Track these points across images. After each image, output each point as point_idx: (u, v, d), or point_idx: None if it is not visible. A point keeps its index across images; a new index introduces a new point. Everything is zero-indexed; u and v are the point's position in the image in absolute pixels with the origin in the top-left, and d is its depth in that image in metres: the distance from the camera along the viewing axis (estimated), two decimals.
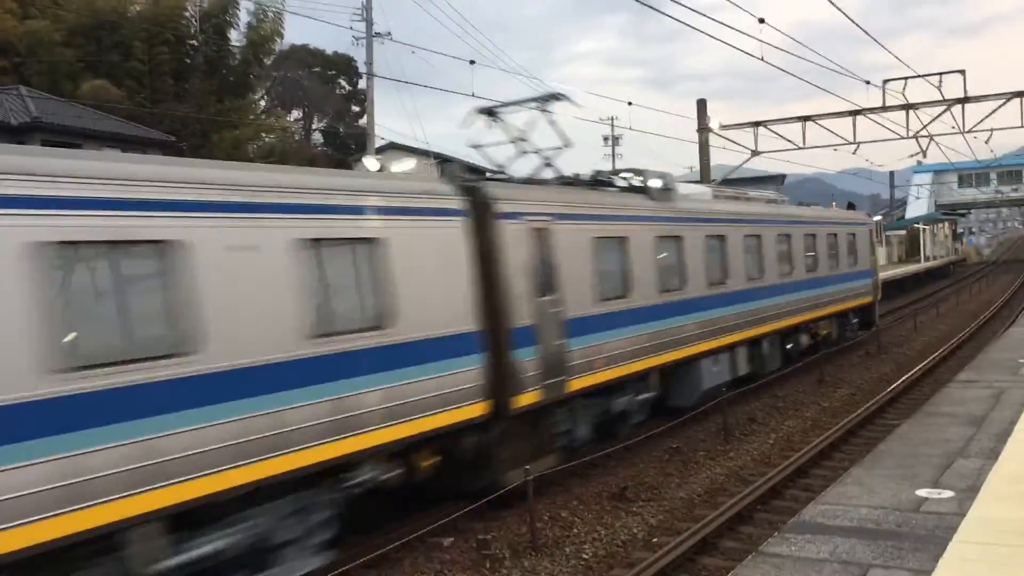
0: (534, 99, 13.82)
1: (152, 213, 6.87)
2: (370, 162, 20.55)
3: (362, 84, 42.99)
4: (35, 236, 6.13)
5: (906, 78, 30.80)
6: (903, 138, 32.66)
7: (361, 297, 8.65)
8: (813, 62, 24.93)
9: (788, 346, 19.53)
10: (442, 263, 9.71)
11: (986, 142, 37.83)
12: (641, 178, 14.84)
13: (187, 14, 34.77)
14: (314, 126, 52.62)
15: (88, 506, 6.15)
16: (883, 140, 33.24)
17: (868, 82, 30.54)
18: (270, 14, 36.56)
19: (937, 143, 35.83)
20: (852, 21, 19.01)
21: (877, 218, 48.33)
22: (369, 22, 29.04)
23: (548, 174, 13.81)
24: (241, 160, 20.97)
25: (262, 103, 43.78)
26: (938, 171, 79.43)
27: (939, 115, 31.30)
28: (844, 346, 23.87)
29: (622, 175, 15.07)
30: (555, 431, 11.55)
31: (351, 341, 8.32)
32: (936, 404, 11.82)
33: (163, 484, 6.60)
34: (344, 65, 51.75)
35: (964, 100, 30.21)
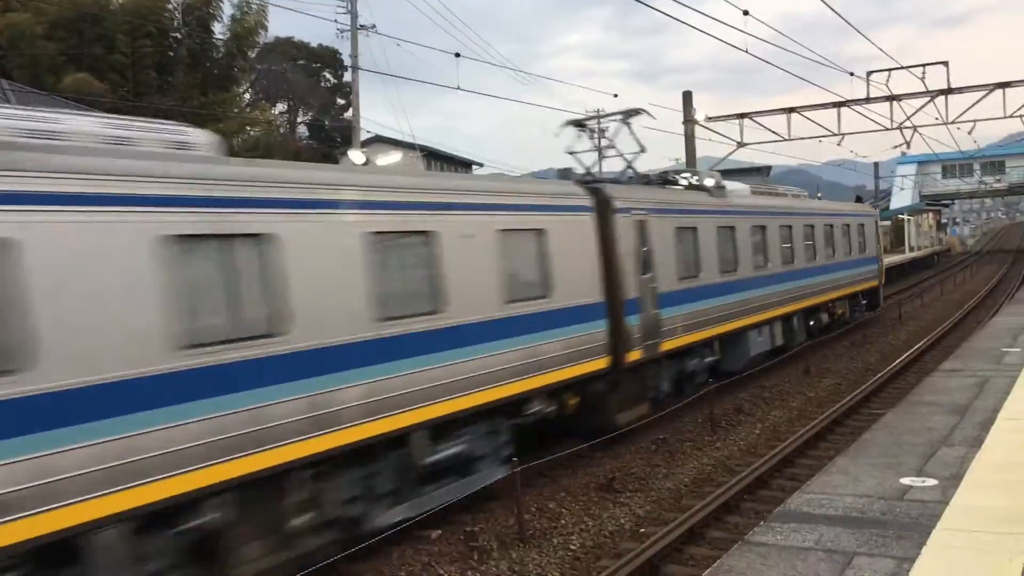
0: (618, 112, 16.61)
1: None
2: (356, 155, 20.45)
3: (347, 77, 42.82)
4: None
5: (890, 70, 30.91)
6: (887, 129, 32.80)
7: (536, 273, 11.45)
8: (797, 54, 25.04)
9: (811, 323, 22.17)
10: (580, 248, 12.42)
11: (969, 133, 38.14)
12: (696, 177, 17.62)
13: (170, 7, 34.48)
14: (299, 119, 52.40)
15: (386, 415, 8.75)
16: (867, 131, 33.39)
17: (852, 74, 30.67)
18: (254, 6, 36.29)
19: (921, 134, 36.02)
20: (836, 13, 19.07)
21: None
22: (354, 14, 28.89)
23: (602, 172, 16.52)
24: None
25: (246, 96, 43.54)
26: (922, 162, 79.90)
27: (923, 106, 31.44)
28: (844, 330, 25.54)
29: (682, 175, 17.61)
30: (648, 384, 14.15)
31: (529, 307, 11.09)
32: (920, 393, 11.90)
33: (429, 403, 9.33)
34: (329, 58, 51.51)
35: (947, 91, 30.33)
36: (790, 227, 20.50)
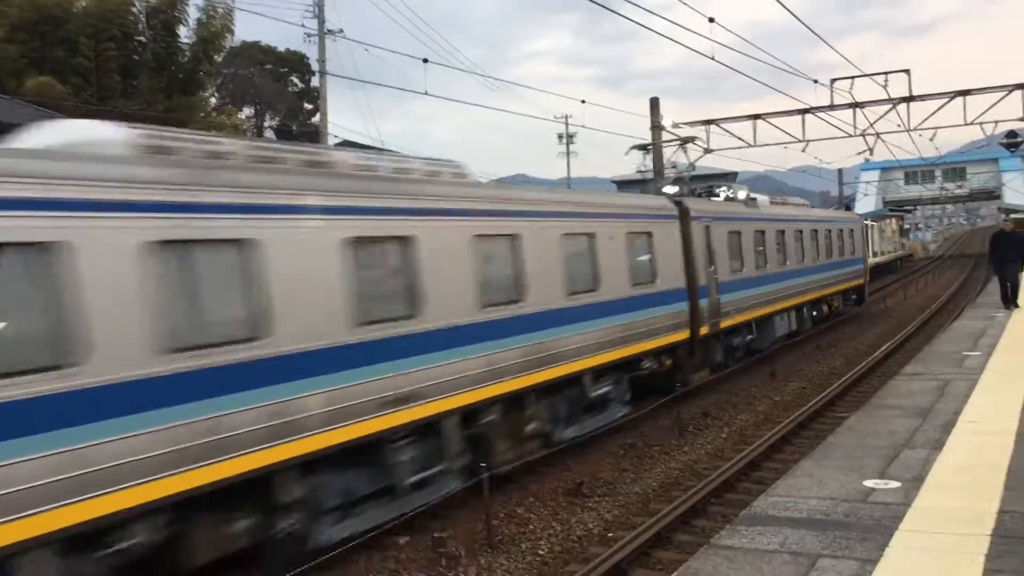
0: (677, 139, 22.65)
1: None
2: None
3: (315, 81, 42.62)
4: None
5: (853, 77, 31.24)
6: (851, 136, 33.14)
7: (648, 264, 15.26)
8: (763, 61, 25.24)
9: (814, 313, 26.17)
10: (672, 246, 16.18)
11: (931, 140, 38.55)
12: (732, 191, 21.84)
13: (134, 10, 34.12)
14: (266, 124, 52.05)
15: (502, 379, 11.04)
16: (831, 138, 33.70)
17: (816, 81, 30.95)
18: (220, 10, 36.02)
19: (884, 141, 36.51)
20: (800, 21, 19.27)
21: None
22: (321, 19, 28.80)
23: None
24: None
25: (213, 100, 43.17)
26: (885, 168, 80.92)
27: (885, 113, 31.82)
28: (831, 324, 28.74)
29: (719, 189, 21.65)
30: (709, 354, 17.87)
31: (646, 289, 14.88)
32: (883, 397, 12.04)
33: (593, 354, 13.04)
34: (296, 62, 51.27)
35: (909, 99, 30.72)
36: (800, 231, 24.62)
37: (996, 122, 32.46)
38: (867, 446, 9.12)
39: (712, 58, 22.99)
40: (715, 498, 10.77)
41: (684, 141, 21.19)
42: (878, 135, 34.24)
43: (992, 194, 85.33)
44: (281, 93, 51.49)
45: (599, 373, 13.40)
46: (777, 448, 13.06)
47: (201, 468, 7.14)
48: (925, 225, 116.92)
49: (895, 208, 79.52)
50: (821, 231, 26.75)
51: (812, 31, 21.96)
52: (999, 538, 6.19)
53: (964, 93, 30.11)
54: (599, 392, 13.47)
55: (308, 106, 52.28)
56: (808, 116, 32.07)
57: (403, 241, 9.54)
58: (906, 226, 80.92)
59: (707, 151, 33.67)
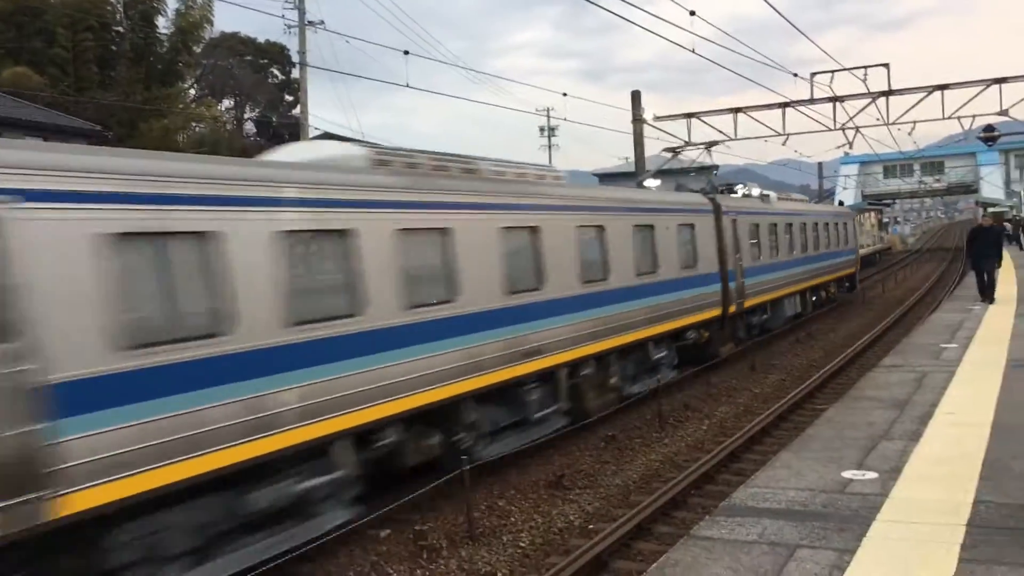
0: (703, 143, 26.65)
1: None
2: None
3: (295, 73, 42.36)
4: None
5: (833, 71, 31.39)
6: (830, 130, 33.29)
7: (693, 251, 17.99)
8: (743, 55, 25.36)
9: (814, 298, 29.05)
10: (707, 236, 18.95)
11: (909, 134, 38.96)
12: (747, 188, 24.90)
13: (112, 0, 33.82)
14: (246, 116, 51.72)
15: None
16: (811, 132, 33.84)
17: (796, 75, 31.11)
18: (199, 0, 35.74)
19: (863, 135, 36.60)
20: (780, 15, 19.37)
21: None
22: (301, 10, 28.59)
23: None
24: (171, 149, 20.48)
25: (192, 92, 42.84)
26: (864, 162, 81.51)
27: (864, 107, 31.98)
28: (827, 308, 31.17)
29: (736, 187, 24.71)
30: (735, 330, 20.84)
31: (692, 271, 17.74)
32: (862, 388, 12.14)
33: (655, 325, 15.84)
34: (276, 54, 50.92)
35: (888, 93, 30.87)
36: (804, 224, 27.41)
37: (974, 116, 32.71)
38: (845, 437, 9.19)
39: (693, 51, 23.05)
40: (695, 490, 10.83)
41: (709, 145, 25.17)
42: (857, 129, 34.42)
43: (970, 188, 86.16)
44: (261, 85, 51.14)
45: (657, 341, 16.17)
46: (757, 440, 13.14)
47: (427, 391, 10.00)
48: (904, 219, 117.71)
49: (874, 202, 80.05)
50: (820, 224, 29.63)
51: (792, 25, 22.07)
52: (974, 528, 6.27)
53: (942, 87, 30.30)
54: (657, 356, 16.26)
55: (288, 98, 51.95)
56: (788, 110, 32.16)
57: (534, 230, 12.48)
58: (885, 220, 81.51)
59: (687, 144, 33.79)
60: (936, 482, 7.43)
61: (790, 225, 25.60)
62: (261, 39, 51.71)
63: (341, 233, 9.03)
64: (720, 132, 32.95)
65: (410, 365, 9.72)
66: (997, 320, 18.07)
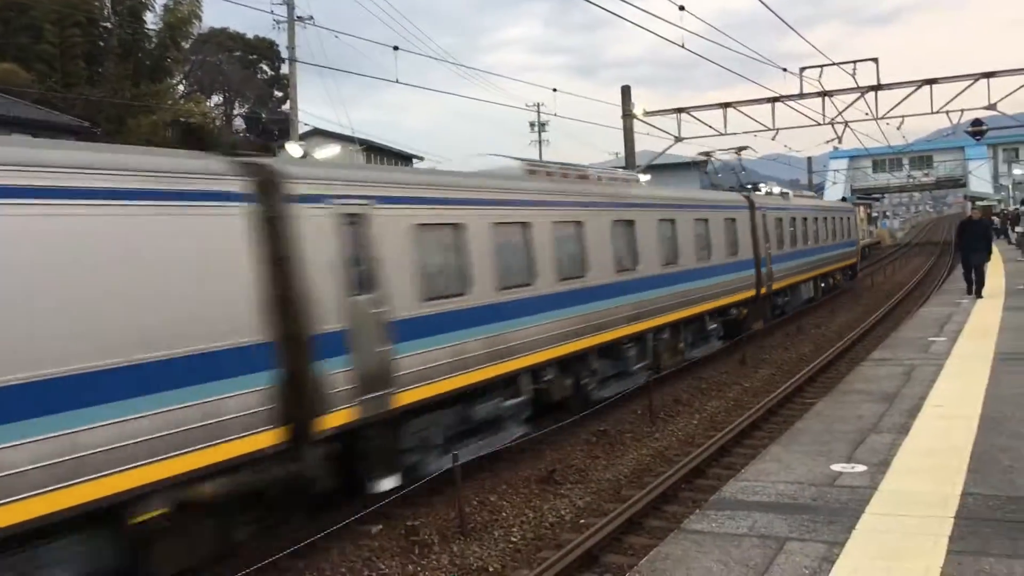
0: (732, 148, 28.14)
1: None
2: (293, 148, 20.21)
3: (284, 69, 42.21)
4: None
5: (822, 66, 31.47)
6: (820, 124, 33.42)
7: (734, 241, 21.06)
8: (733, 50, 25.39)
9: (823, 284, 31.92)
10: (745, 228, 22.03)
11: (898, 128, 39.04)
12: (769, 187, 27.85)
13: None
14: (236, 112, 51.52)
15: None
16: (801, 127, 33.98)
17: (786, 70, 31.19)
18: None
19: (852, 129, 36.82)
20: (770, 10, 19.39)
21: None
22: (290, 5, 28.47)
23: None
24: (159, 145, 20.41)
25: (180, 88, 42.65)
26: (853, 157, 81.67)
27: (853, 102, 32.10)
28: (829, 296, 33.28)
29: (760, 185, 27.54)
30: (764, 309, 23.90)
31: (735, 258, 20.88)
32: (851, 382, 12.20)
33: (712, 301, 19.27)
34: (265, 49, 50.75)
35: (877, 87, 31.00)
36: (816, 218, 30.55)
37: (962, 110, 32.89)
38: (834, 431, 9.25)
39: (682, 46, 23.07)
40: (686, 483, 10.86)
41: (740, 150, 27.46)
42: (846, 123, 34.57)
43: (958, 182, 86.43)
44: (250, 80, 50.96)
45: (711, 315, 19.29)
46: (747, 434, 13.19)
47: (571, 343, 13.20)
48: (893, 213, 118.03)
49: (863, 196, 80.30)
50: (829, 218, 32.89)
51: (781, 19, 22.11)
52: (962, 520, 6.32)
53: (931, 82, 30.42)
54: (711, 328, 19.47)
55: (278, 94, 51.79)
56: (778, 104, 32.28)
57: (630, 223, 15.68)
58: (874, 214, 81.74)
59: (678, 139, 33.84)
60: (924, 475, 7.48)
61: (804, 219, 28.70)
62: (250, 35, 51.55)
63: (523, 225, 12.47)
64: (709, 127, 33.02)
65: (561, 323, 12.93)
66: (985, 314, 18.17)
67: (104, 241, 6.77)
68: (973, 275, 21.38)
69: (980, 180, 79.33)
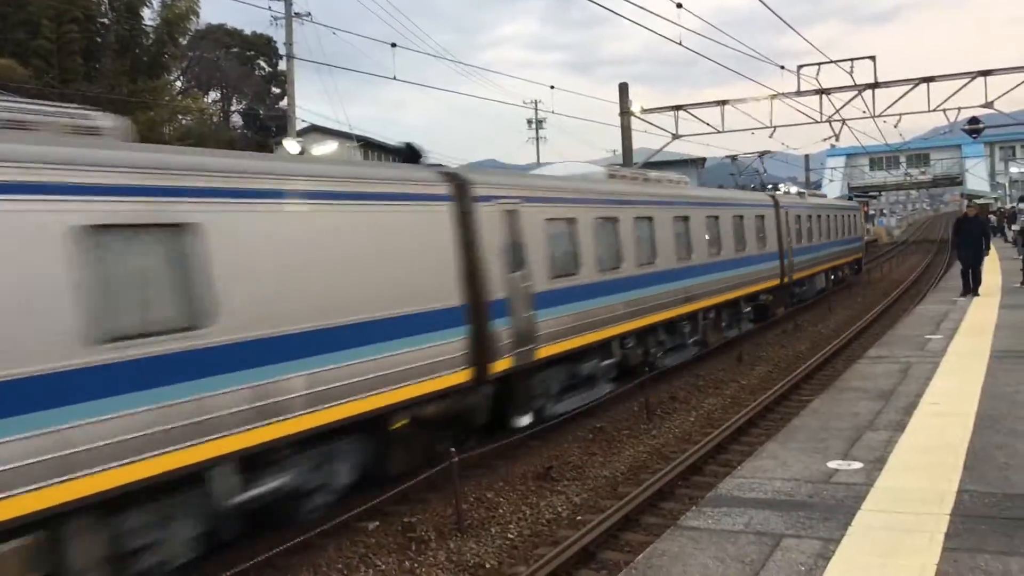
0: (755, 152, 33.16)
1: None
2: (291, 145, 20.16)
3: (282, 65, 42.12)
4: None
5: (819, 64, 31.48)
6: (817, 122, 33.45)
7: (761, 236, 23.33)
8: (730, 47, 25.41)
9: (832, 277, 34.10)
10: (770, 224, 24.47)
11: (895, 126, 39.01)
12: (787, 187, 32.23)
13: None
14: (233, 108, 51.42)
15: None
16: (798, 124, 34.00)
17: (783, 67, 31.22)
18: None
19: (849, 127, 36.92)
20: (767, 7, 19.39)
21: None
22: (288, 2, 28.42)
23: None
24: (157, 142, 20.41)
25: (178, 84, 42.56)
26: (850, 154, 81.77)
27: (851, 100, 32.13)
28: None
29: (781, 185, 31.64)
30: (785, 296, 26.49)
31: (760, 250, 23.04)
32: (847, 380, 12.22)
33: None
34: (263, 46, 50.59)
35: (874, 85, 31.03)
36: (828, 216, 33.23)
37: (959, 108, 32.90)
38: (831, 428, 9.26)
39: (680, 43, 23.06)
40: (682, 480, 10.88)
41: (762, 154, 31.94)
42: (844, 121, 34.61)
43: (955, 180, 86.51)
44: (248, 77, 50.84)
45: (745, 300, 21.80)
46: (743, 431, 13.21)
47: (646, 317, 15.85)
48: (890, 211, 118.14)
49: (860, 194, 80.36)
50: (838, 216, 35.66)
51: (779, 17, 22.11)
52: (958, 517, 6.34)
53: (928, 80, 30.46)
54: (745, 311, 22.17)
55: (275, 90, 51.66)
56: (775, 102, 32.30)
57: (685, 219, 18.14)
58: (871, 212, 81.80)
59: (675, 137, 33.85)
60: (920, 472, 7.50)
61: (819, 217, 31.35)
62: (248, 31, 51.39)
63: (614, 220, 15.15)
64: (707, 124, 33.04)
65: (639, 300, 15.49)
66: (981, 311, 18.20)
67: (384, 231, 9.72)
68: (969, 273, 21.39)
69: (977, 178, 79.46)
